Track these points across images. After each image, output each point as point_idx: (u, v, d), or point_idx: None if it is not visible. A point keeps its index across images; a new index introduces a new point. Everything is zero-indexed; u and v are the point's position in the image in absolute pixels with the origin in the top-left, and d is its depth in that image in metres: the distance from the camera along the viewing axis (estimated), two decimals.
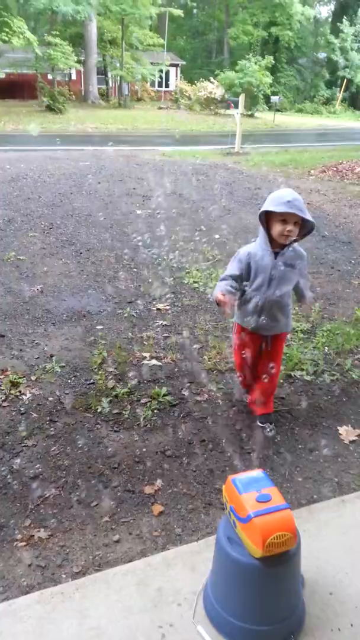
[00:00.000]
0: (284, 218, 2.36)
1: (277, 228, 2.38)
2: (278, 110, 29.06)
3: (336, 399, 3.13)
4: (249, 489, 1.58)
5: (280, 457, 2.61)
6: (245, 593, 1.59)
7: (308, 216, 2.35)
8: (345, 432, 2.81)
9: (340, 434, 2.80)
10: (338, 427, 2.85)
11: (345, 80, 38.24)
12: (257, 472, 1.69)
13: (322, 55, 42.21)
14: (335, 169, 11.39)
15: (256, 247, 2.55)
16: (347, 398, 3.14)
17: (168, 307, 4.24)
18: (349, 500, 2.23)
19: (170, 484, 2.40)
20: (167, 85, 36.43)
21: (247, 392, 2.96)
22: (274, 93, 30.10)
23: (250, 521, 1.50)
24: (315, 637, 1.64)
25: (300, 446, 2.70)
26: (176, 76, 37.00)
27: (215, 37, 45.64)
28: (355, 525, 2.09)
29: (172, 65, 34.89)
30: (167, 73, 35.37)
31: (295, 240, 2.46)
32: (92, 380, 3.16)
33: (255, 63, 27.13)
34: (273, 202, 2.36)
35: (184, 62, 38.95)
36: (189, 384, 3.19)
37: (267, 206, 2.36)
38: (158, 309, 4.20)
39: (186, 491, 2.35)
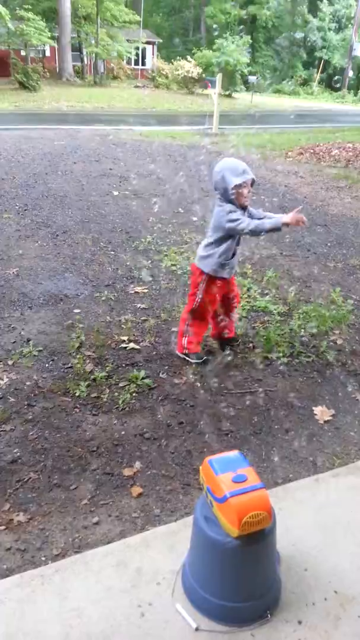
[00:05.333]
0: (244, 184, 2.82)
1: (244, 193, 2.84)
2: (256, 91, 28.84)
3: (311, 380, 3.18)
4: (226, 469, 1.61)
5: (257, 437, 2.65)
6: (222, 571, 1.63)
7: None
8: (320, 412, 2.87)
9: (315, 415, 2.85)
10: (313, 408, 2.90)
11: (322, 61, 38.08)
12: (233, 453, 1.72)
13: (299, 35, 41.86)
14: (312, 151, 11.40)
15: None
16: (322, 379, 3.19)
17: (146, 290, 4.22)
18: (323, 479, 2.28)
19: (149, 465, 2.42)
20: (143, 64, 35.75)
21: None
22: (252, 73, 29.85)
23: (227, 501, 1.53)
24: (291, 612, 1.69)
25: (276, 427, 2.75)
26: (153, 54, 36.33)
27: (192, 14, 44.85)
28: (328, 503, 2.14)
29: (148, 43, 34.20)
30: (144, 51, 34.69)
31: None
32: (70, 364, 3.15)
33: (233, 42, 26.79)
34: (235, 174, 2.81)
35: (161, 40, 38.24)
36: (167, 367, 3.20)
37: (235, 180, 2.79)
38: (136, 292, 4.18)
39: (165, 472, 2.38)
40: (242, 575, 1.62)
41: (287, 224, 2.82)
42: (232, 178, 2.80)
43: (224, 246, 2.97)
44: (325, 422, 2.80)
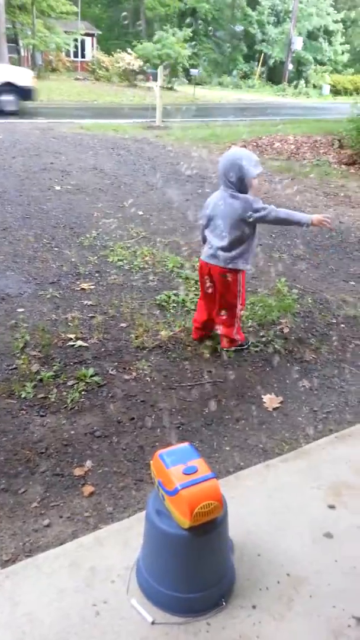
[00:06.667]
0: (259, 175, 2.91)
1: (256, 183, 2.94)
2: (198, 84, 28.88)
3: (260, 369, 3.24)
4: (176, 462, 1.61)
5: (208, 428, 2.67)
6: (175, 563, 1.63)
7: None
8: (269, 400, 2.92)
9: (264, 402, 2.90)
10: (262, 396, 2.96)
11: (262, 55, 38.61)
12: (183, 446, 1.72)
13: (239, 28, 42.19)
14: (255, 143, 11.56)
15: None
16: (270, 368, 3.25)
17: (93, 287, 4.16)
18: (272, 465, 2.33)
19: (100, 464, 2.39)
20: (83, 56, 35.12)
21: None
22: (193, 66, 29.87)
23: (178, 493, 1.53)
24: (245, 597, 1.71)
25: (227, 416, 2.78)
26: (92, 46, 35.75)
27: (132, 6, 44.36)
28: (278, 488, 2.19)
29: (87, 34, 33.63)
30: (83, 43, 34.08)
31: None
32: (14, 365, 3.06)
33: (173, 35, 26.73)
34: (253, 164, 2.84)
35: (100, 32, 37.66)
36: (116, 363, 3.17)
37: (254, 170, 2.84)
38: (82, 289, 4.11)
39: (116, 469, 2.36)
40: (195, 565, 1.62)
41: (313, 224, 2.90)
42: (251, 168, 2.80)
43: (254, 240, 2.98)
44: (274, 409, 2.86)
